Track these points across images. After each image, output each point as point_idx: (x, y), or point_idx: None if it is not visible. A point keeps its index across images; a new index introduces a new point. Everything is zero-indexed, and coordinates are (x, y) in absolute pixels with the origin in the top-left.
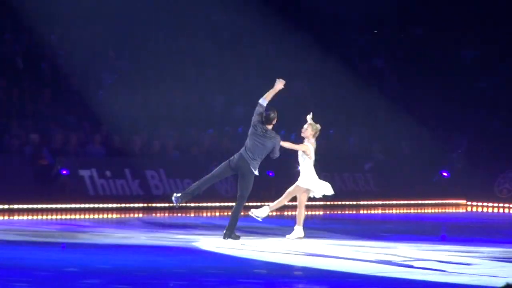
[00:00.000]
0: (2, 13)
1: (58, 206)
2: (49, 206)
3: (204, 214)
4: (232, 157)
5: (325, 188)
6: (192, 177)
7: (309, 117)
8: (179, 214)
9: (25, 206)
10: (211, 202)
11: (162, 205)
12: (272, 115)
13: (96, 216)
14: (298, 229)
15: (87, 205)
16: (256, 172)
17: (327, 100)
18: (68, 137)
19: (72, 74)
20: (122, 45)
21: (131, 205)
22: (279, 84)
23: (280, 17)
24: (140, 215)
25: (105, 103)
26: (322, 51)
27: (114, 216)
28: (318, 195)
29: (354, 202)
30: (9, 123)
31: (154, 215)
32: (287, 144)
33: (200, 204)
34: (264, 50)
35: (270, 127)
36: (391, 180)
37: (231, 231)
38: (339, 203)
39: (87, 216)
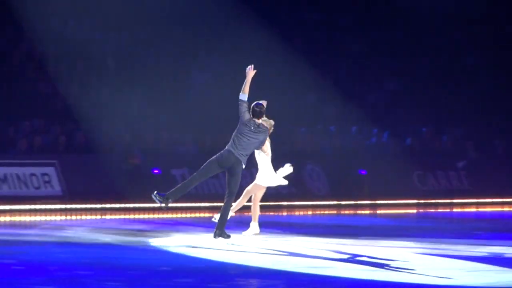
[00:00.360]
0: (92, 14)
1: (149, 205)
2: (141, 205)
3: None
4: (219, 154)
5: (280, 179)
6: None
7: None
8: (271, 213)
9: (117, 206)
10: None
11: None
12: (263, 108)
13: (188, 215)
14: (254, 226)
15: (178, 204)
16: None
17: (419, 99)
18: (159, 136)
19: (162, 74)
20: (213, 45)
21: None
22: (250, 72)
23: (372, 15)
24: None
25: (196, 102)
26: (413, 49)
27: (205, 215)
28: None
29: (448, 200)
30: (100, 123)
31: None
32: None
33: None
34: (356, 49)
35: (260, 120)
36: (484, 178)
37: (221, 230)
38: (433, 201)
39: (178, 215)
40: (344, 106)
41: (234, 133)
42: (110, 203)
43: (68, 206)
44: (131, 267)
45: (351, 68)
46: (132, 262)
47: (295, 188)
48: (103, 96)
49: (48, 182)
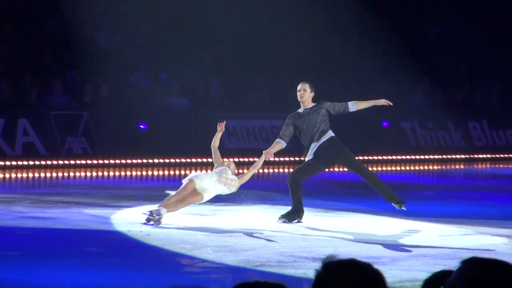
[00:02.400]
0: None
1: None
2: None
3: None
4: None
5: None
6: None
7: None
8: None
9: None
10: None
11: (484, 156)
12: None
13: (417, 167)
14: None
15: (408, 157)
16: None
17: None
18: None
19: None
20: None
21: (453, 156)
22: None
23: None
24: (462, 166)
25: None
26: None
27: (436, 167)
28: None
29: None
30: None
31: (475, 166)
32: None
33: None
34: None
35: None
36: None
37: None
38: None
39: (407, 168)
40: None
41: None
42: None
43: None
44: None
45: None
46: None
47: None
48: None
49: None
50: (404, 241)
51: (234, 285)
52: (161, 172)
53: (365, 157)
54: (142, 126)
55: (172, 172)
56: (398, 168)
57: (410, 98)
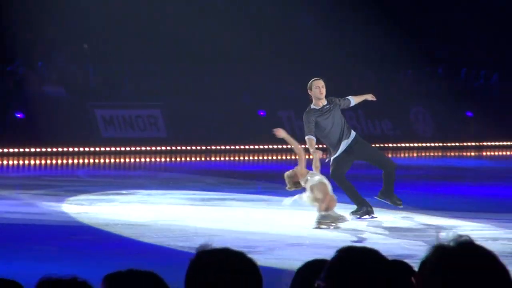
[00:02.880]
0: None
1: (256, 147)
2: (246, 147)
3: None
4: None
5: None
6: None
7: None
8: None
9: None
10: None
11: None
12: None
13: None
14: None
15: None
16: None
17: None
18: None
19: None
20: None
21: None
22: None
23: None
24: None
25: (303, 44)
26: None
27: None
28: None
29: None
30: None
31: None
32: None
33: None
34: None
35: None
36: None
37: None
38: None
39: (283, 158)
40: (453, 49)
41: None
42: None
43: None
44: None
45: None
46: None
47: (400, 130)
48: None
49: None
50: (280, 230)
51: (104, 275)
52: (37, 161)
53: (242, 147)
54: (18, 115)
55: (49, 161)
56: (270, 158)
57: (287, 87)
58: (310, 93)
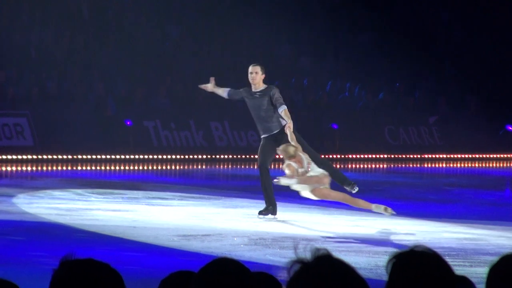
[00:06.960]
0: None
1: (122, 156)
2: (114, 156)
3: None
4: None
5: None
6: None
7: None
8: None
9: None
10: None
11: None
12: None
13: (160, 167)
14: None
15: (151, 156)
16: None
17: (392, 53)
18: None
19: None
20: None
21: (195, 156)
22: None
23: None
24: (204, 166)
25: (170, 55)
26: (388, 2)
27: (178, 167)
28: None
29: (418, 156)
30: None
31: (217, 166)
32: None
33: None
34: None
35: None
36: (455, 134)
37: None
38: (403, 156)
39: (150, 168)
40: (318, 60)
41: None
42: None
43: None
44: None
45: (327, 21)
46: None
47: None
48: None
49: (21, 132)
50: (148, 240)
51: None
52: None
53: (108, 156)
54: None
55: None
56: (141, 168)
57: (153, 97)
58: None
